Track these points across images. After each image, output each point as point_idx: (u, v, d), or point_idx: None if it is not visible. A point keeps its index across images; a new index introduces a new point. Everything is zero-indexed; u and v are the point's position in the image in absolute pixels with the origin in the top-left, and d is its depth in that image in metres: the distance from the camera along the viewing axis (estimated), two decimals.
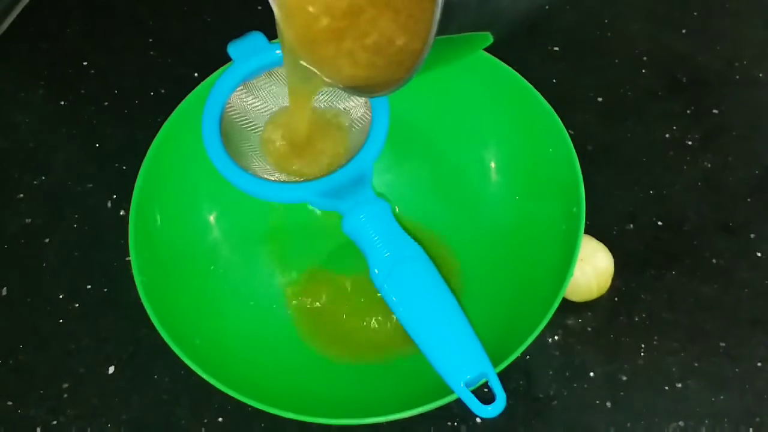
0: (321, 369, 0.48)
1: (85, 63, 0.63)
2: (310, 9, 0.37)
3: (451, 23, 0.29)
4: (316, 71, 0.39)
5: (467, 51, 0.36)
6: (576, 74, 0.60)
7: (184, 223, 0.49)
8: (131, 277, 0.43)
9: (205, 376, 0.40)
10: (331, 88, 0.47)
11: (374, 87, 0.37)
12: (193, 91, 0.47)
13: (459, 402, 0.38)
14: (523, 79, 0.47)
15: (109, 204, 0.56)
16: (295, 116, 0.46)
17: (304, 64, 0.40)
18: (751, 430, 0.46)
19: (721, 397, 0.47)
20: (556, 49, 0.62)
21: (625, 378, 0.48)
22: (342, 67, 0.38)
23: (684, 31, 0.62)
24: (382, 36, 0.36)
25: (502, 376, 0.39)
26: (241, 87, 0.46)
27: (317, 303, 0.50)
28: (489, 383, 0.39)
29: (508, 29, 0.34)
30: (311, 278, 0.51)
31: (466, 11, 0.30)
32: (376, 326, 0.49)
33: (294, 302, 0.50)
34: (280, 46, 0.46)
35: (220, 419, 0.47)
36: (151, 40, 0.64)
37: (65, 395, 0.49)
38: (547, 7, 0.34)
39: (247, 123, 0.47)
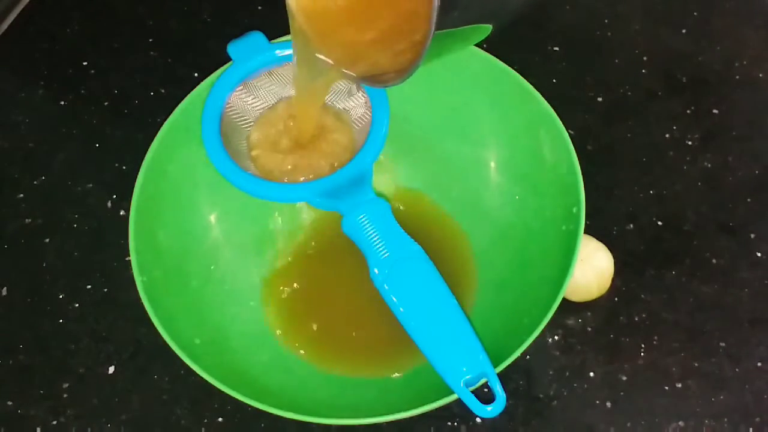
0: (321, 373, 0.48)
1: (85, 63, 0.63)
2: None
3: (455, 10, 0.30)
4: (330, 62, 0.39)
5: (468, 41, 0.36)
6: (576, 74, 0.60)
7: (184, 223, 0.49)
8: (131, 277, 0.43)
9: (205, 376, 0.40)
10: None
11: (385, 76, 0.37)
12: (193, 91, 0.47)
13: (459, 402, 0.38)
14: (523, 79, 0.47)
15: (109, 204, 0.56)
16: (305, 114, 0.46)
17: (319, 56, 0.39)
18: (751, 430, 0.46)
19: (721, 397, 0.47)
20: (556, 49, 0.62)
21: (625, 378, 0.48)
22: (359, 54, 0.38)
23: (684, 31, 0.62)
24: (391, 24, 0.36)
25: (502, 376, 0.39)
26: (241, 87, 0.46)
27: (315, 307, 0.50)
28: (489, 383, 0.39)
29: (511, 18, 0.35)
30: (310, 280, 0.51)
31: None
32: (376, 334, 0.49)
33: (277, 300, 0.50)
34: (279, 45, 0.46)
35: (220, 419, 0.47)
36: (151, 40, 0.64)
37: (65, 395, 0.49)
38: None
39: (246, 123, 0.47)
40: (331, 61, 0.39)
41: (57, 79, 0.62)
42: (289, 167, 0.45)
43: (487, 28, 0.35)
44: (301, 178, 0.45)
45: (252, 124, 0.47)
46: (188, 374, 0.40)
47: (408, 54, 0.35)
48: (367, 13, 0.37)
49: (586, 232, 0.43)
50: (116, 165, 0.57)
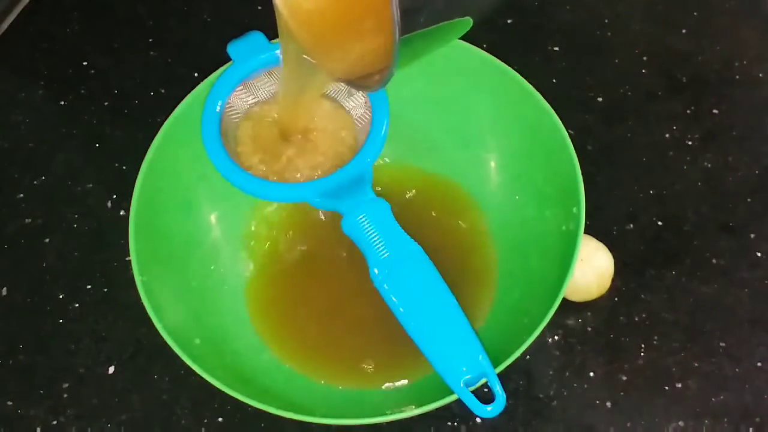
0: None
1: (85, 63, 0.63)
2: (311, 5, 0.37)
3: (420, 15, 0.30)
4: (319, 66, 0.39)
5: (450, 37, 0.36)
6: (576, 74, 0.60)
7: (184, 223, 0.49)
8: (131, 277, 0.43)
9: (205, 376, 0.40)
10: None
11: (367, 81, 0.37)
12: (193, 91, 0.47)
13: (459, 402, 0.38)
14: (522, 79, 0.47)
15: (109, 204, 0.56)
16: (302, 114, 0.46)
17: (305, 57, 0.39)
18: (751, 430, 0.46)
19: (721, 397, 0.47)
20: (556, 49, 0.62)
21: (625, 378, 0.48)
22: (344, 57, 0.38)
23: (684, 31, 0.62)
24: (360, 29, 0.36)
25: (502, 376, 0.39)
26: (241, 87, 0.46)
27: (312, 313, 0.50)
28: (489, 383, 0.39)
29: (487, 9, 0.34)
30: (308, 282, 0.51)
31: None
32: (375, 344, 0.48)
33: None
34: (279, 46, 0.46)
35: (220, 419, 0.47)
36: (151, 40, 0.64)
37: (65, 395, 0.49)
38: None
39: None
40: (314, 61, 0.40)
41: (57, 79, 0.62)
42: (285, 166, 0.45)
43: (467, 22, 0.35)
44: (297, 176, 0.45)
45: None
46: (188, 374, 0.40)
47: (383, 58, 0.35)
48: (338, 17, 0.37)
49: (586, 232, 0.43)
50: (116, 165, 0.57)
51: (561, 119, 0.46)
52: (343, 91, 0.47)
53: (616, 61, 0.61)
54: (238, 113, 0.46)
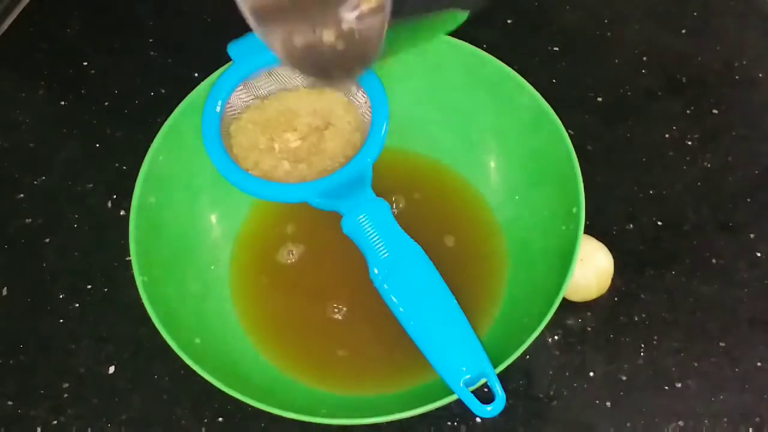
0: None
1: (85, 63, 0.63)
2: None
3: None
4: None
5: (441, 29, 0.35)
6: (576, 74, 0.60)
7: (185, 223, 0.49)
8: (131, 277, 0.43)
9: (205, 376, 0.40)
10: None
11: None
12: (193, 91, 0.47)
13: (459, 402, 0.38)
14: (523, 79, 0.48)
15: (109, 204, 0.56)
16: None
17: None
18: (750, 429, 0.46)
19: (721, 397, 0.47)
20: (556, 49, 0.62)
21: (625, 378, 0.48)
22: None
23: (684, 31, 0.62)
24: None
25: (502, 376, 0.39)
26: (241, 87, 0.46)
27: (309, 319, 0.50)
28: (488, 383, 0.39)
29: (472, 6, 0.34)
30: (307, 283, 0.51)
31: None
32: (374, 352, 0.48)
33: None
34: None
35: (220, 419, 0.47)
36: (151, 40, 0.64)
37: (65, 395, 0.49)
38: None
39: None
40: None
41: (57, 79, 0.62)
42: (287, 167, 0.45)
43: (459, 16, 0.34)
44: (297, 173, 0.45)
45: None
46: (188, 374, 0.40)
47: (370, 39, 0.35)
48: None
49: (586, 232, 0.43)
50: (116, 165, 0.57)
51: (561, 119, 0.46)
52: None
53: (616, 61, 0.61)
54: (238, 113, 0.47)
